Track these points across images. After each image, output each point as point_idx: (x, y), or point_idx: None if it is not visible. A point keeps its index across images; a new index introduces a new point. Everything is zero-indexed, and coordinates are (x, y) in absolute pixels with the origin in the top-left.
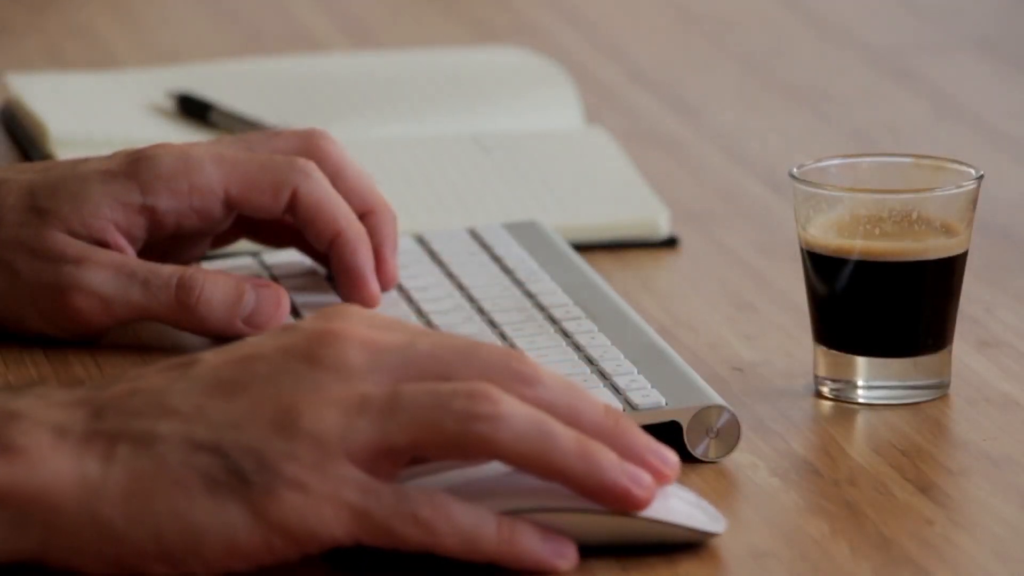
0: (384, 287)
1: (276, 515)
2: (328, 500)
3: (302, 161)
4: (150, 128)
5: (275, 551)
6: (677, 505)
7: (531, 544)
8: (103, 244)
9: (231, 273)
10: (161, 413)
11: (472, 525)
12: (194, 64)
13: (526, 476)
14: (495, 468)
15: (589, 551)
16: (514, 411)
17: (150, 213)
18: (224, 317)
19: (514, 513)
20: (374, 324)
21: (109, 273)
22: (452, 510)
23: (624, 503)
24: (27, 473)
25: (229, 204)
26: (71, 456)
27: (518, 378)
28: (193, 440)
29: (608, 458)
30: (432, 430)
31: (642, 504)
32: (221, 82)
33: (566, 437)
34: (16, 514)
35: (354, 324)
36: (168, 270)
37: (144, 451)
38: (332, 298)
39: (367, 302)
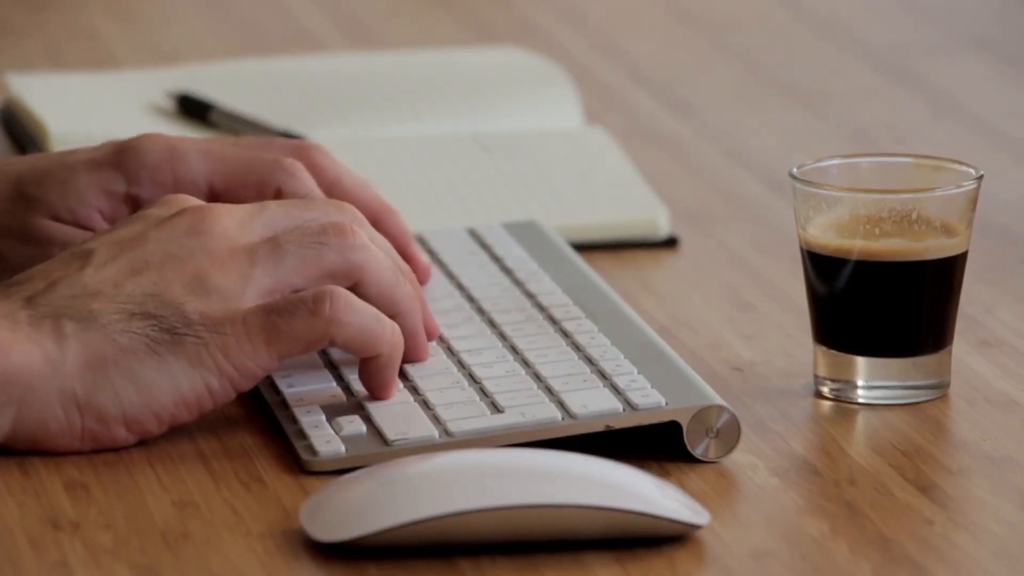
0: (422, 281)
1: (209, 360)
2: (245, 334)
3: (289, 161)
4: (150, 128)
5: (215, 394)
6: (664, 501)
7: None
8: (89, 230)
9: None
10: (87, 295)
11: (373, 317)
12: (194, 64)
13: (521, 471)
14: (493, 463)
15: (589, 550)
16: (369, 243)
17: (134, 202)
18: None
19: (512, 508)
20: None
21: None
22: (352, 302)
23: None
24: (14, 360)
25: (212, 198)
26: (30, 339)
27: (357, 221)
28: (125, 311)
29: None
30: (317, 264)
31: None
32: (221, 82)
33: (407, 277)
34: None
35: (208, 203)
36: None
37: (88, 326)
38: None
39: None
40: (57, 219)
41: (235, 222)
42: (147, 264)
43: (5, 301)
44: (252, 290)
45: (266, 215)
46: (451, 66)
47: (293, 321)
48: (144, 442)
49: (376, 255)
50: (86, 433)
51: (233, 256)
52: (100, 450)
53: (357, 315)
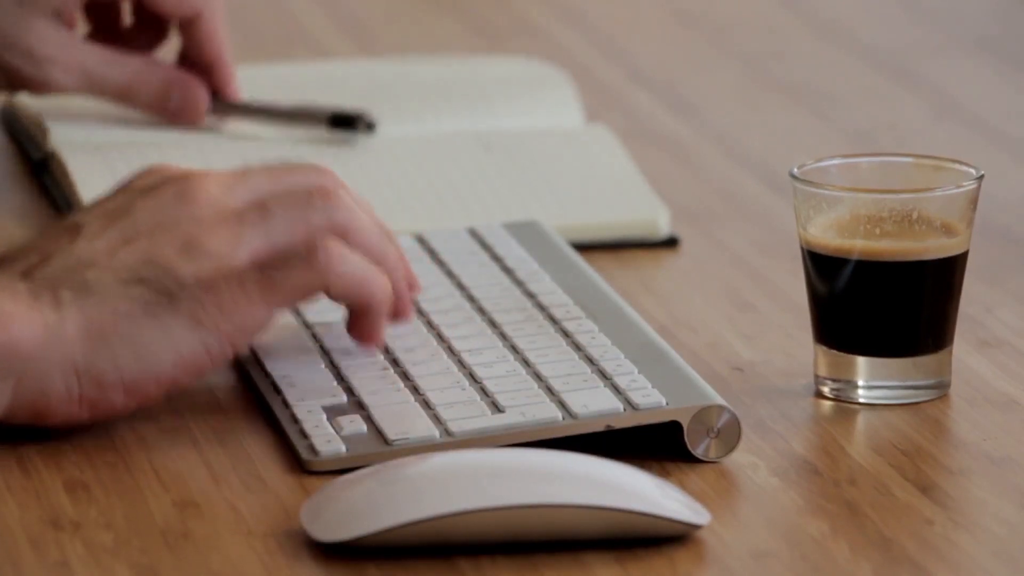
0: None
1: (207, 319)
2: (241, 290)
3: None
4: (149, 130)
5: (213, 354)
6: (664, 501)
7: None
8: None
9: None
10: (81, 266)
11: (364, 266)
12: None
13: (521, 471)
14: (493, 463)
15: (588, 550)
16: (354, 205)
17: None
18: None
19: (512, 508)
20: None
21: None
22: (344, 253)
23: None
24: (15, 333)
25: None
26: (31, 309)
27: (340, 184)
28: (121, 278)
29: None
30: (305, 225)
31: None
32: None
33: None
34: (6, 369)
35: (190, 169)
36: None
37: (85, 294)
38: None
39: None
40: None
41: (220, 188)
42: (138, 233)
43: (2, 276)
44: (243, 250)
45: (250, 180)
46: (454, 73)
47: (288, 273)
48: (144, 442)
49: (361, 216)
50: (84, 400)
51: (222, 220)
52: (96, 426)
53: (349, 265)
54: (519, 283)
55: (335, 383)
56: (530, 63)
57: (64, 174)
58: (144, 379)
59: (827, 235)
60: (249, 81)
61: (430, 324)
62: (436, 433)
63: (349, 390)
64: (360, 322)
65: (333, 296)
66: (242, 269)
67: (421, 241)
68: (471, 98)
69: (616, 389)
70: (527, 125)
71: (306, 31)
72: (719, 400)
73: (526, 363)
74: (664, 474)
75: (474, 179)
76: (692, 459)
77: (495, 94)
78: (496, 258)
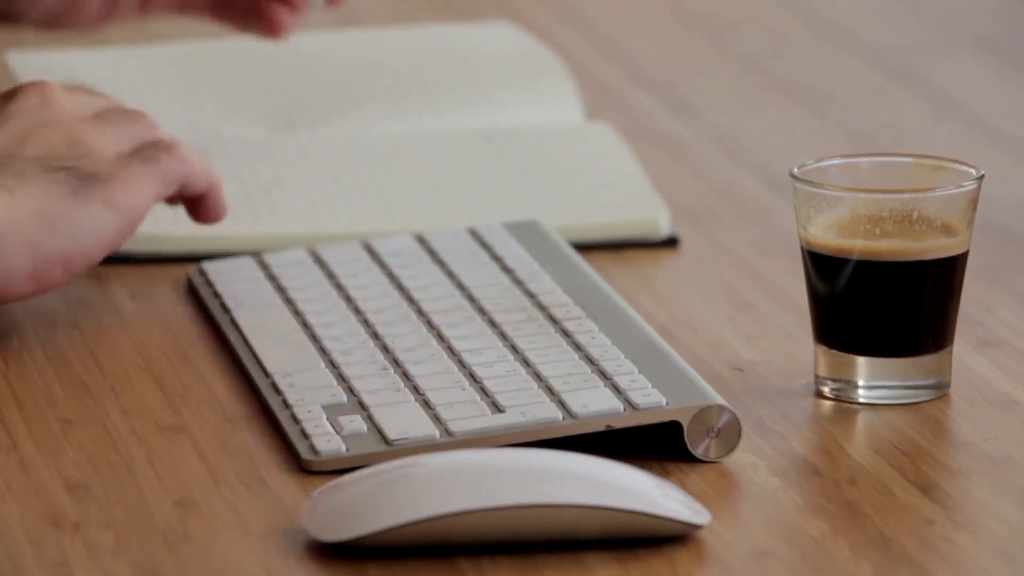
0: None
1: (114, 200)
2: (132, 179)
3: None
4: (149, 106)
5: (121, 234)
6: (664, 501)
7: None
8: None
9: None
10: (6, 156)
11: (200, 160)
12: (187, 42)
13: (521, 471)
14: (493, 463)
15: (589, 550)
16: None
17: None
18: None
19: (512, 508)
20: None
21: None
22: (188, 151)
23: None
24: None
25: None
26: None
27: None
28: (43, 165)
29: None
30: (152, 130)
31: None
32: (213, 61)
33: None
34: None
35: (40, 83)
36: None
37: (26, 179)
38: (332, 292)
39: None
40: None
41: (68, 95)
42: (27, 131)
43: None
44: (123, 143)
45: (81, 95)
46: (446, 54)
47: (163, 161)
48: (144, 442)
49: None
50: (33, 277)
51: (91, 119)
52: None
53: (197, 156)
54: (519, 283)
55: (335, 383)
56: (514, 33)
57: None
58: (76, 256)
59: (827, 235)
60: (241, 56)
61: (430, 324)
62: (436, 433)
63: (349, 390)
64: (209, 203)
65: (189, 185)
66: (131, 159)
67: (421, 241)
68: (470, 91)
69: (616, 389)
70: (527, 114)
71: None
72: (719, 400)
73: (526, 363)
74: (664, 474)
75: (474, 175)
76: (692, 459)
77: (493, 85)
78: (496, 258)
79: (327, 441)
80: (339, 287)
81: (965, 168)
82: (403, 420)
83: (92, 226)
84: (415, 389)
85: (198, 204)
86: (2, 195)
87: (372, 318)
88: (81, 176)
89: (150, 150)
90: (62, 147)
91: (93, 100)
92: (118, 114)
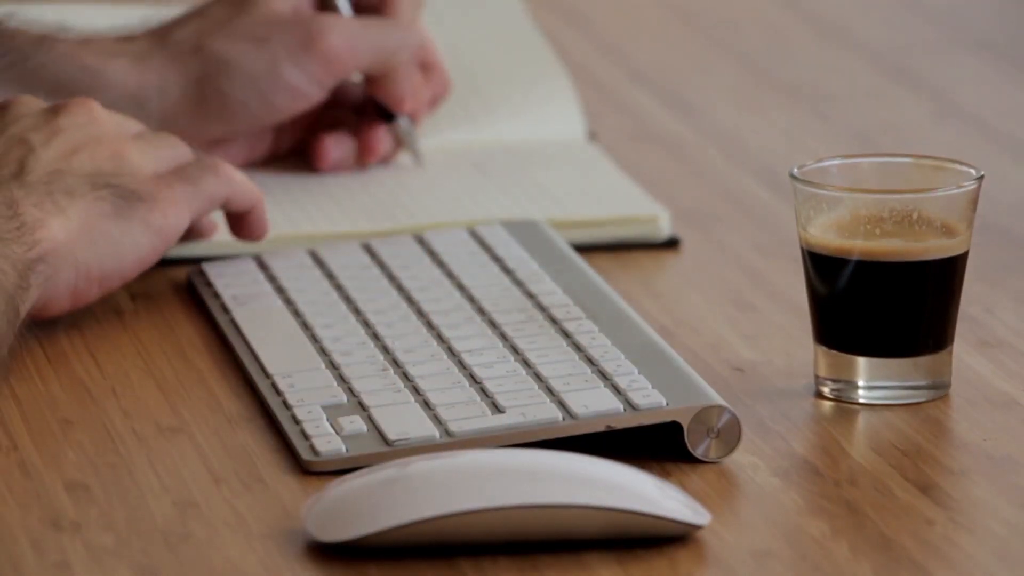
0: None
1: (153, 220)
2: (172, 198)
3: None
4: None
5: (156, 254)
6: (664, 501)
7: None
8: None
9: None
10: (55, 172)
11: (243, 179)
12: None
13: (521, 471)
14: (494, 463)
15: (589, 550)
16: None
17: None
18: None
19: (513, 509)
20: None
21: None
22: (231, 170)
23: None
24: (47, 234)
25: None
26: (47, 214)
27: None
28: (89, 182)
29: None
30: (191, 150)
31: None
32: None
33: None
34: (46, 268)
35: (86, 100)
36: None
37: (74, 198)
38: (332, 293)
39: None
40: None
41: (107, 113)
42: (77, 146)
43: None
44: (163, 163)
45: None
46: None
47: (204, 181)
48: (144, 442)
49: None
50: (73, 294)
51: (132, 137)
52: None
53: (240, 175)
54: (519, 283)
55: (335, 384)
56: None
57: None
58: (114, 274)
59: (827, 235)
60: None
61: (430, 324)
62: (436, 433)
63: (349, 391)
64: (252, 220)
65: (232, 203)
66: (171, 179)
67: (421, 241)
68: (470, 106)
69: (616, 389)
70: (527, 127)
71: None
72: (719, 400)
73: (526, 363)
74: (664, 474)
75: (475, 178)
76: (692, 459)
77: (494, 96)
78: (496, 258)
79: (327, 441)
80: (339, 288)
81: (965, 168)
82: (403, 420)
83: (131, 245)
84: (415, 389)
85: (241, 221)
86: (57, 216)
87: (372, 319)
88: (124, 194)
89: (194, 170)
90: (107, 163)
91: (132, 122)
92: (158, 136)
